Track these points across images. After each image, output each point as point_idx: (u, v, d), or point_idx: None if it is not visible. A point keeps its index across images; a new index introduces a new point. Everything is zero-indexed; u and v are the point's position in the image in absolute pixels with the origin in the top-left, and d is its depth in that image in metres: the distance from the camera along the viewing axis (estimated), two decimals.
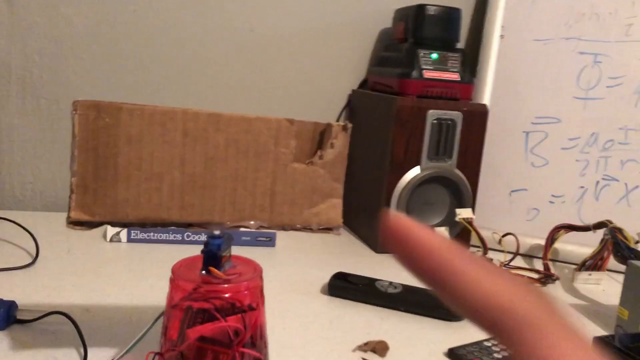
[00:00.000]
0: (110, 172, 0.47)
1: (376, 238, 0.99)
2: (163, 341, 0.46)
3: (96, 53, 1.06)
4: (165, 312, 0.46)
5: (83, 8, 1.05)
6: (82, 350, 0.58)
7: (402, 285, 0.79)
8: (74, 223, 0.48)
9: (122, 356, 0.49)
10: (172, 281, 0.45)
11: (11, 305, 0.63)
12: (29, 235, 0.86)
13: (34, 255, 0.82)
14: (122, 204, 0.47)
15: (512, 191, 1.08)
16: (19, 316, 0.63)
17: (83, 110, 0.48)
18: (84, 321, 0.63)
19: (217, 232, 0.45)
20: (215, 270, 0.45)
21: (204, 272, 0.45)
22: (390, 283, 0.79)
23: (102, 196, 0.47)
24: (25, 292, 0.71)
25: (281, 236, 0.99)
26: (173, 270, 0.46)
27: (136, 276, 0.80)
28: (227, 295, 0.44)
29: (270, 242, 0.96)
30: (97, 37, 1.06)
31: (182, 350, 0.43)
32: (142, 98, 1.09)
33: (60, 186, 1.09)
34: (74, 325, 0.61)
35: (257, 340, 0.46)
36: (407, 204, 0.97)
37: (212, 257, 0.45)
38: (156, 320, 0.48)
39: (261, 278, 0.47)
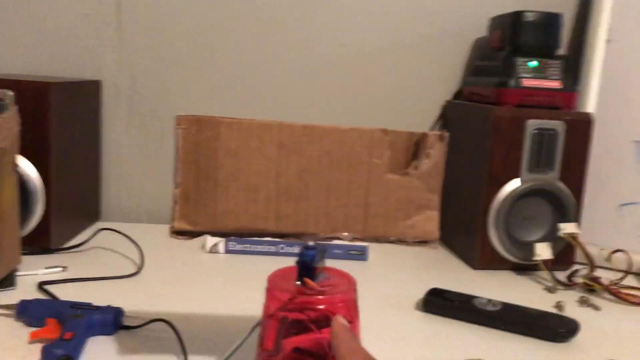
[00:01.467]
0: (211, 183, 0.48)
1: (473, 254, 0.96)
2: (259, 351, 0.46)
3: (196, 71, 1.11)
4: (261, 321, 0.47)
5: (185, 31, 1.10)
6: (182, 357, 0.60)
7: (502, 303, 0.75)
8: (177, 233, 0.50)
9: None
10: (268, 291, 0.46)
11: (118, 312, 0.66)
12: (134, 245, 0.91)
13: (139, 264, 0.87)
14: (222, 214, 0.49)
15: (622, 205, 1.01)
16: (125, 322, 0.66)
17: (185, 124, 0.50)
18: (184, 329, 0.65)
19: (310, 244, 0.45)
20: (310, 281, 0.45)
21: (298, 282, 0.45)
22: (489, 300, 0.76)
23: (203, 207, 0.49)
24: (131, 299, 0.75)
25: (374, 249, 0.98)
26: (269, 280, 0.46)
27: (233, 286, 0.81)
28: (321, 307, 0.44)
29: (362, 255, 0.95)
30: (197, 57, 1.11)
31: None
32: (240, 112, 1.12)
33: (163, 200, 1.14)
34: (175, 333, 0.63)
35: None
36: (506, 219, 0.93)
37: (306, 268, 0.45)
38: (253, 329, 0.49)
39: (355, 291, 0.47)
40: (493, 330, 0.72)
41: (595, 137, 0.95)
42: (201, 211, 0.49)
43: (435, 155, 0.53)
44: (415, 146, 0.54)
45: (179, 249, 0.96)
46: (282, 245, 0.95)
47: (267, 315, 0.46)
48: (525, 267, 0.95)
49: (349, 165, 0.51)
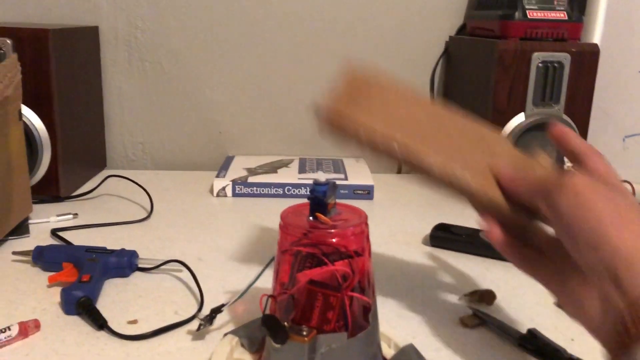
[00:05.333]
0: None
1: None
2: (275, 284, 0.47)
3: (194, 14, 1.09)
4: (276, 256, 0.48)
5: None
6: (198, 295, 0.61)
7: None
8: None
9: (237, 300, 0.52)
10: (282, 227, 0.47)
11: (133, 254, 0.67)
12: (143, 191, 0.92)
13: (149, 209, 0.88)
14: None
15: (626, 137, 1.01)
16: (140, 264, 0.68)
17: None
18: (197, 269, 0.67)
19: (322, 180, 0.45)
20: (322, 216, 0.46)
21: (311, 218, 0.46)
22: None
23: None
24: (143, 243, 0.76)
25: (379, 189, 0.99)
26: (282, 217, 0.47)
27: (243, 228, 0.83)
28: (334, 240, 0.45)
29: (368, 195, 0.96)
30: (195, 0, 1.09)
31: (293, 293, 0.45)
32: (238, 55, 1.11)
33: (167, 146, 1.15)
34: (189, 272, 0.64)
35: (365, 285, 0.46)
36: None
37: (319, 203, 0.46)
38: (268, 264, 0.50)
39: (366, 224, 0.47)
40: (500, 262, 0.74)
41: (601, 69, 0.94)
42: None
43: None
44: None
45: (187, 194, 0.97)
46: (288, 187, 0.95)
47: (282, 251, 0.47)
48: None
49: None
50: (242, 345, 0.52)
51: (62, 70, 0.90)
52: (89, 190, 0.93)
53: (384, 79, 0.55)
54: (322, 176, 0.46)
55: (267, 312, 0.47)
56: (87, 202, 0.92)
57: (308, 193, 0.47)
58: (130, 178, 0.95)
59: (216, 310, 0.54)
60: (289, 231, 0.46)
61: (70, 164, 0.94)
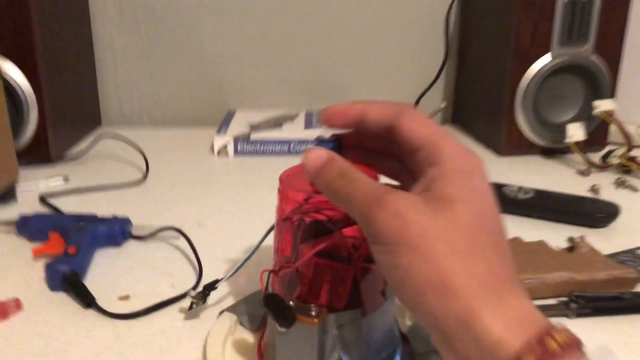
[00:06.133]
0: None
1: (498, 138, 0.89)
2: (276, 258, 0.42)
3: None
4: (275, 225, 0.42)
5: None
6: (196, 265, 0.56)
7: (534, 189, 0.70)
8: None
9: (232, 275, 0.46)
10: (281, 192, 0.40)
11: (125, 222, 0.62)
12: (138, 152, 0.86)
13: (144, 171, 0.82)
14: None
15: None
16: (134, 232, 0.62)
17: None
18: (196, 236, 0.61)
19: (326, 136, 0.39)
20: None
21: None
22: (520, 188, 0.70)
23: None
24: (138, 208, 0.70)
25: None
26: (281, 180, 0.41)
27: (245, 190, 0.77)
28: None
29: None
30: None
31: (298, 267, 0.39)
32: (231, 5, 1.03)
33: (164, 101, 1.08)
34: (187, 241, 0.59)
35: None
36: (535, 99, 0.86)
37: None
38: (266, 234, 0.44)
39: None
40: (526, 219, 0.68)
41: (635, 4, 0.85)
42: None
43: None
44: None
45: (186, 153, 0.91)
46: (294, 143, 0.89)
47: (282, 219, 0.41)
48: (555, 151, 0.89)
49: None
50: (241, 323, 0.46)
51: (44, 19, 0.83)
52: (81, 151, 0.87)
53: None
54: (327, 132, 0.39)
55: (269, 290, 0.41)
56: (80, 164, 0.86)
57: None
58: (124, 138, 0.89)
59: (209, 287, 0.48)
60: (289, 196, 0.40)
61: (60, 123, 0.88)
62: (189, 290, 0.51)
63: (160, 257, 0.59)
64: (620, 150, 0.81)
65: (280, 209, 0.41)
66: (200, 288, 0.49)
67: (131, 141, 0.87)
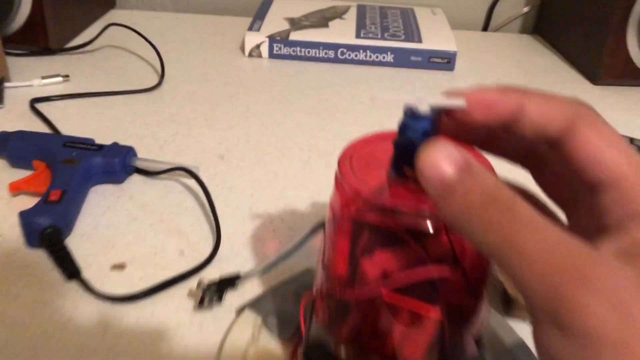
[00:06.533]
0: None
1: (598, 62, 0.72)
2: (323, 274, 0.29)
3: None
4: (326, 225, 0.29)
5: None
6: (214, 223, 0.43)
7: None
8: None
9: (262, 272, 0.33)
10: (339, 182, 0.27)
11: (128, 153, 0.49)
12: (153, 48, 0.71)
13: (159, 74, 0.67)
14: None
15: None
16: (140, 165, 0.49)
17: None
18: (216, 177, 0.49)
19: (421, 107, 0.24)
20: (414, 172, 0.25)
21: (394, 172, 0.26)
22: (631, 141, 0.55)
23: None
24: (148, 126, 0.57)
25: (463, 55, 0.75)
26: (340, 164, 0.27)
27: (282, 106, 0.62)
28: (429, 215, 0.25)
29: (448, 64, 0.73)
30: None
31: (360, 301, 0.26)
32: None
33: None
34: (203, 191, 0.46)
35: (477, 288, 0.27)
36: None
37: (411, 150, 0.25)
38: (310, 234, 0.31)
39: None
40: None
41: None
42: None
43: None
44: None
45: (211, 51, 0.75)
46: (342, 49, 0.73)
47: (337, 218, 0.28)
48: None
49: None
50: (268, 326, 0.35)
51: None
52: (86, 43, 0.72)
53: None
54: (420, 100, 0.24)
55: (310, 321, 0.29)
56: (84, 57, 0.72)
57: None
58: (137, 30, 0.73)
59: (227, 283, 0.36)
60: (350, 192, 0.26)
61: (61, 2, 0.72)
62: (209, 258, 0.39)
63: (169, 203, 0.46)
64: None
65: (335, 205, 0.28)
66: (213, 271, 0.37)
67: (145, 37, 0.71)
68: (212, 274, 0.39)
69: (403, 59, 0.72)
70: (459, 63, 0.73)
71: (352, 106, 0.63)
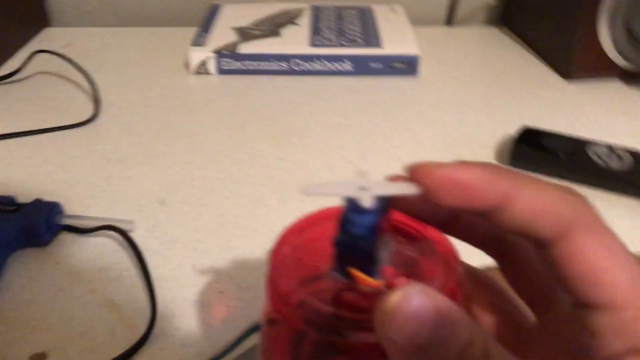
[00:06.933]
0: None
1: (570, 56, 0.67)
2: None
3: None
4: (262, 328, 0.23)
5: None
6: (149, 295, 0.38)
7: (630, 153, 0.50)
8: None
9: None
10: (270, 284, 0.21)
11: (54, 208, 0.43)
12: (85, 78, 0.64)
13: (93, 108, 0.61)
14: None
15: None
16: (68, 222, 0.43)
17: None
18: (154, 229, 0.43)
19: (365, 203, 0.18)
20: (361, 275, 0.20)
21: (337, 275, 0.21)
22: (611, 149, 0.50)
23: None
24: (80, 169, 0.51)
25: (427, 58, 0.70)
26: (271, 261, 0.21)
27: (231, 134, 0.56)
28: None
29: (409, 69, 0.68)
30: None
31: None
32: None
33: None
34: (136, 257, 0.40)
35: None
36: (631, 6, 0.62)
37: (359, 256, 0.20)
38: (246, 336, 0.26)
39: (460, 283, 0.21)
40: (618, 197, 0.48)
41: None
42: None
43: None
44: None
45: (154, 70, 0.69)
46: (296, 59, 0.67)
47: (273, 325, 0.22)
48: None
49: None
50: None
51: None
52: (12, 72, 0.65)
53: None
54: (362, 193, 0.19)
55: None
56: (12, 88, 0.65)
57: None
58: (67, 57, 0.66)
59: None
60: (282, 295, 0.21)
61: None
62: (145, 334, 0.34)
63: (101, 267, 0.41)
64: None
65: (267, 307, 0.22)
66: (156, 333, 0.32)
67: (76, 63, 0.65)
68: (149, 357, 0.34)
69: (362, 67, 0.67)
70: (423, 66, 0.68)
71: (309, 127, 0.58)
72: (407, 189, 0.19)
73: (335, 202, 0.21)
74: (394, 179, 0.20)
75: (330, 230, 0.20)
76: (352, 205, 0.19)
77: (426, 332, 0.16)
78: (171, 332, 0.36)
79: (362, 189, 0.19)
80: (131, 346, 0.34)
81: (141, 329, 0.36)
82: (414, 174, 0.19)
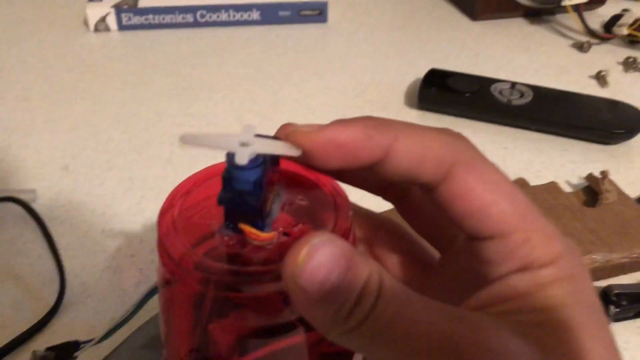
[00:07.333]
0: None
1: None
2: (168, 350, 0.24)
3: None
4: (159, 292, 0.23)
5: None
6: (56, 266, 0.37)
7: (531, 88, 0.52)
8: None
9: (102, 340, 0.28)
10: (161, 247, 0.21)
11: None
12: None
13: None
14: None
15: None
16: None
17: None
18: (59, 192, 0.41)
19: (241, 160, 0.18)
20: (252, 229, 0.20)
21: (228, 231, 0.20)
22: (513, 86, 0.52)
23: None
24: None
25: (335, 4, 0.69)
26: (160, 223, 0.21)
27: (135, 93, 0.54)
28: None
29: (320, 16, 0.67)
30: None
31: None
32: None
33: None
34: (37, 223, 0.39)
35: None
36: None
37: (243, 209, 0.19)
38: (145, 299, 0.25)
39: (351, 226, 0.22)
40: (521, 132, 0.51)
41: None
42: None
43: None
44: None
45: (50, 30, 0.65)
46: (202, 11, 0.64)
47: (169, 287, 0.22)
48: (543, 13, 0.69)
49: None
50: None
51: None
52: None
53: None
54: (246, 141, 0.19)
55: None
56: None
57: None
58: None
59: (65, 353, 0.30)
60: (175, 257, 0.20)
61: None
62: (54, 306, 0.33)
63: (2, 240, 0.39)
64: (631, 17, 0.63)
65: (162, 270, 0.22)
66: (61, 324, 0.31)
67: None
68: (61, 327, 0.33)
69: (271, 15, 0.66)
70: (331, 12, 0.67)
71: (217, 80, 0.56)
72: (289, 150, 0.19)
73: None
74: (287, 133, 0.20)
75: (219, 187, 0.20)
76: (233, 161, 0.18)
77: (334, 278, 0.16)
78: (82, 300, 0.35)
79: (244, 144, 0.18)
80: (39, 319, 0.33)
81: (50, 301, 0.35)
82: (292, 138, 0.19)
